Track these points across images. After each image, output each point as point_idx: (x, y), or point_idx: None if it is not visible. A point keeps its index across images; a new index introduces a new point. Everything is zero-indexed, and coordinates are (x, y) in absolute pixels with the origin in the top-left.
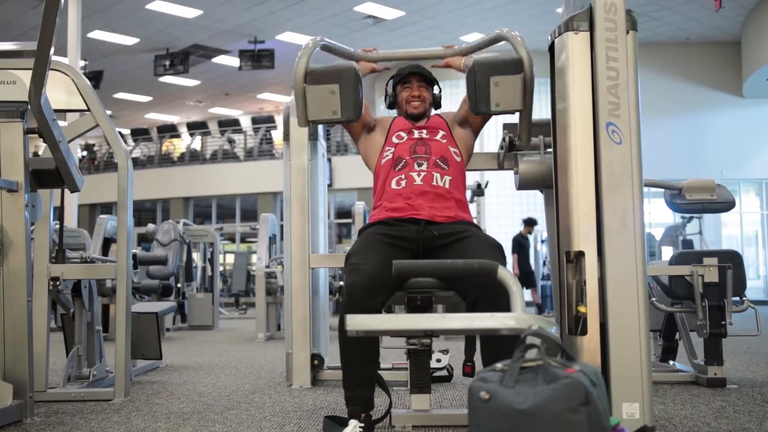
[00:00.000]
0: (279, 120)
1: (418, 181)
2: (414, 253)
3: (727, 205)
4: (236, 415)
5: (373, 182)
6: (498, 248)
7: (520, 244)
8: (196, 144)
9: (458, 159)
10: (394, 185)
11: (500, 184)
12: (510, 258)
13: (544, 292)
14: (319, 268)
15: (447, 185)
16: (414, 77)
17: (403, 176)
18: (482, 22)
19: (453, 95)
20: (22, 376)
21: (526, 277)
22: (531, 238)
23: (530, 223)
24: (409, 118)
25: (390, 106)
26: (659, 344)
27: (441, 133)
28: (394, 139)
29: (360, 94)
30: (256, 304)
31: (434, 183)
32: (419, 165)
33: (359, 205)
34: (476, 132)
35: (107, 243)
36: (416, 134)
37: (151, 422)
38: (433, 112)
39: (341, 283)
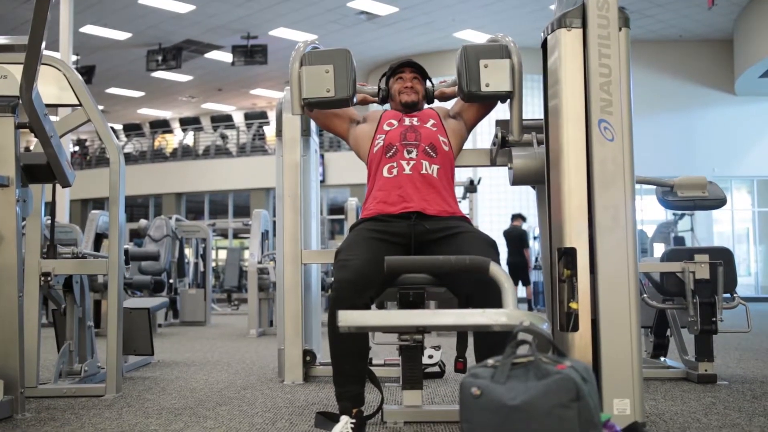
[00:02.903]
0: (272, 116)
1: (407, 170)
2: (406, 249)
3: (719, 203)
4: (228, 411)
5: (367, 171)
6: (491, 244)
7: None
8: (189, 139)
9: (446, 148)
10: (386, 173)
11: (493, 180)
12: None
13: (536, 288)
14: (311, 264)
15: (435, 174)
16: (407, 69)
17: (394, 164)
18: (475, 18)
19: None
20: (13, 372)
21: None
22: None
23: (520, 217)
24: (403, 107)
25: (383, 101)
26: (650, 341)
27: (432, 121)
28: (385, 127)
29: (354, 76)
30: (248, 300)
31: (423, 171)
32: (408, 152)
33: (352, 201)
34: (469, 127)
35: (99, 238)
36: (407, 121)
37: (142, 418)
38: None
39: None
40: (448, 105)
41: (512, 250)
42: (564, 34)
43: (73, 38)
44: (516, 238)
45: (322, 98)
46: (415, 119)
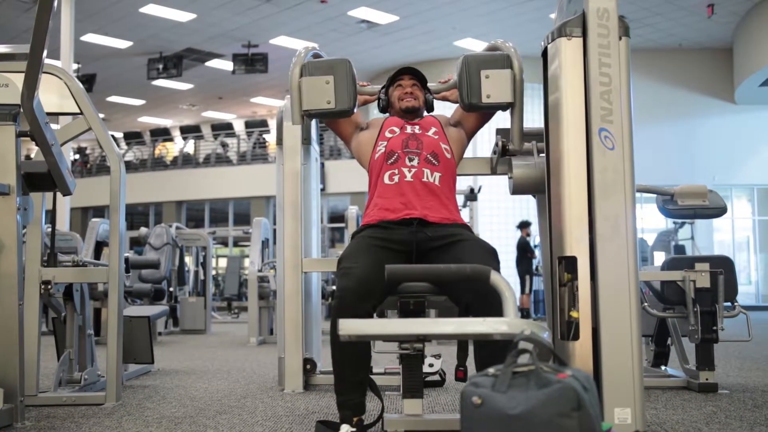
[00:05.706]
0: (272, 124)
1: (408, 177)
2: (407, 257)
3: (719, 211)
4: (228, 420)
5: (368, 178)
6: (492, 253)
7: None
8: (189, 148)
9: (449, 156)
10: (387, 180)
11: (493, 189)
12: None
13: (537, 296)
14: (311, 273)
15: (437, 182)
16: (406, 75)
17: (396, 171)
18: (476, 27)
19: (443, 104)
20: (13, 380)
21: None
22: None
23: (527, 225)
24: (404, 113)
25: (383, 110)
26: (651, 349)
27: (433, 129)
28: (387, 134)
29: (354, 87)
30: (248, 308)
31: (424, 179)
32: (410, 160)
33: (352, 210)
34: (470, 135)
35: (99, 246)
36: (408, 129)
37: (142, 427)
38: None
39: (334, 287)
40: (449, 111)
41: (517, 262)
42: (564, 43)
43: (74, 47)
44: (518, 248)
45: (323, 110)
46: (417, 127)
